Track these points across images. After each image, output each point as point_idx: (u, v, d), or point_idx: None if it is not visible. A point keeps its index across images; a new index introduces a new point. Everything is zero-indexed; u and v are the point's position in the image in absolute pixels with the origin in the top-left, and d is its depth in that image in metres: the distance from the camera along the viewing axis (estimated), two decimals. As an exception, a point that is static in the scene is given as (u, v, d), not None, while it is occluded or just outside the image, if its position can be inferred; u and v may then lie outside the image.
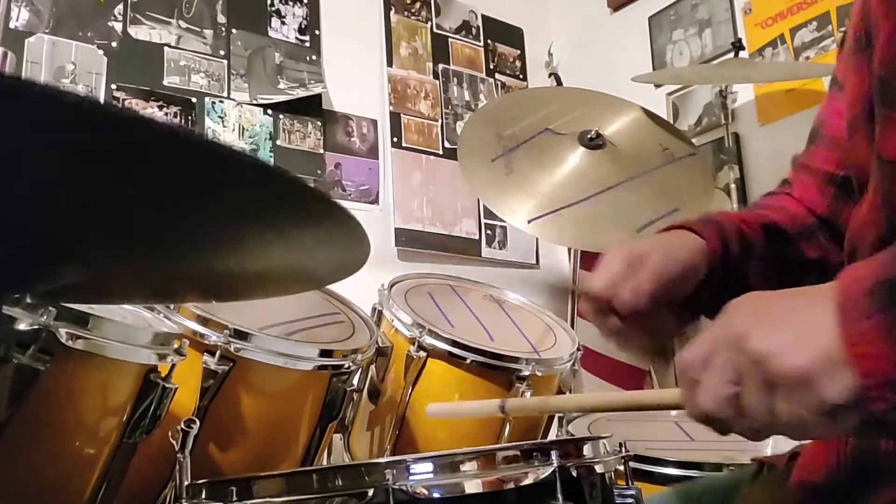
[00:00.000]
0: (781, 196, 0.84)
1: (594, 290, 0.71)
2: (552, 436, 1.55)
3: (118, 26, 2.07)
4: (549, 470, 0.69)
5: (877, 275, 0.46)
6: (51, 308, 0.81)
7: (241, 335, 1.13)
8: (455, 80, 2.75)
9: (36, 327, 0.80)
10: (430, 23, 2.75)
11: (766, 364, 0.46)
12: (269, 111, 2.27)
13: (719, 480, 0.84)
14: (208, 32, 2.23)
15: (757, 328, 0.48)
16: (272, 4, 2.38)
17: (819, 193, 0.80)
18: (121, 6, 2.09)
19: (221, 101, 2.20)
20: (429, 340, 1.37)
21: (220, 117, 2.19)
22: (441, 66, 2.73)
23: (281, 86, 2.31)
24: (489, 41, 2.89)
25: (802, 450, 0.65)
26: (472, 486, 0.69)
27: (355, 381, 1.34)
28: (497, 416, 0.58)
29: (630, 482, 0.79)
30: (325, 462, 1.41)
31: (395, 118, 2.56)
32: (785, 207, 0.82)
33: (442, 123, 2.66)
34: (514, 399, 0.61)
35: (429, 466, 0.69)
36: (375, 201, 2.46)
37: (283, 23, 2.38)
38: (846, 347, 0.44)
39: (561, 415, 1.54)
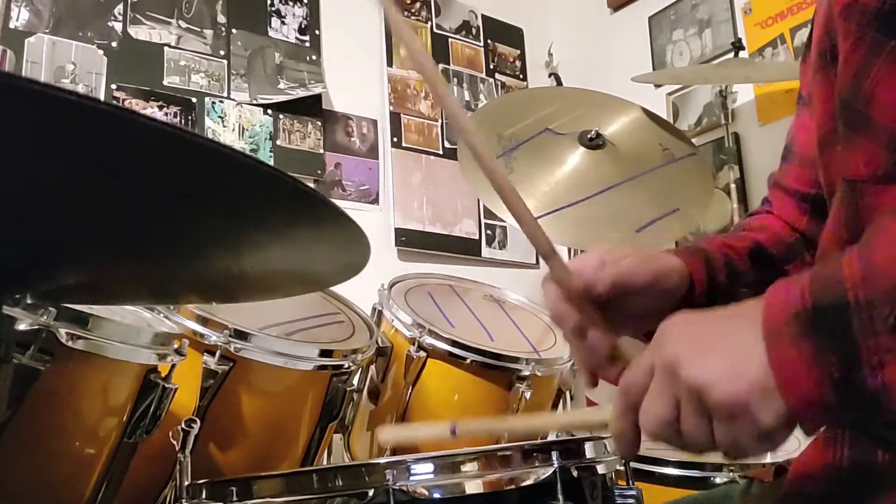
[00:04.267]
0: (764, 215, 0.83)
1: (565, 275, 0.71)
2: (552, 436, 1.55)
3: (118, 26, 2.07)
4: (550, 470, 0.69)
5: (798, 301, 0.47)
6: (51, 308, 0.81)
7: (241, 335, 1.13)
8: (455, 80, 2.75)
9: (36, 327, 0.80)
10: (430, 23, 2.75)
11: (702, 394, 0.48)
12: (269, 111, 2.27)
13: (709, 496, 0.84)
14: (208, 32, 2.23)
15: (689, 355, 0.49)
16: (272, 4, 2.38)
17: (797, 210, 0.79)
18: (121, 6, 2.08)
19: (221, 101, 2.20)
20: (429, 340, 1.37)
21: (220, 117, 2.18)
22: (441, 66, 2.72)
23: (281, 86, 2.31)
24: (489, 41, 2.89)
25: (795, 460, 0.65)
26: (473, 487, 0.69)
27: (355, 381, 1.33)
28: (448, 439, 0.58)
29: (631, 482, 0.79)
30: (325, 462, 1.41)
31: (394, 118, 2.55)
32: (768, 226, 0.81)
33: (442, 123, 2.66)
34: (466, 420, 0.62)
35: (429, 467, 0.69)
36: (375, 201, 2.46)
37: (283, 23, 2.38)
38: (775, 375, 0.46)
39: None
